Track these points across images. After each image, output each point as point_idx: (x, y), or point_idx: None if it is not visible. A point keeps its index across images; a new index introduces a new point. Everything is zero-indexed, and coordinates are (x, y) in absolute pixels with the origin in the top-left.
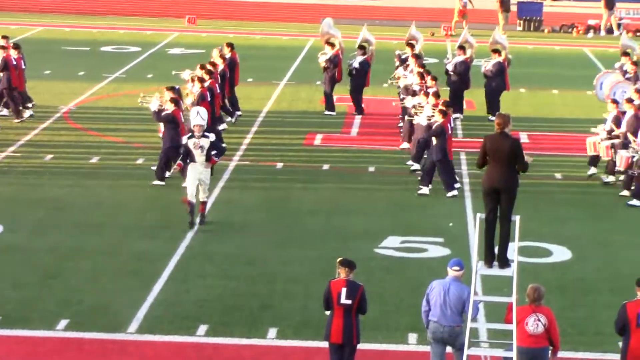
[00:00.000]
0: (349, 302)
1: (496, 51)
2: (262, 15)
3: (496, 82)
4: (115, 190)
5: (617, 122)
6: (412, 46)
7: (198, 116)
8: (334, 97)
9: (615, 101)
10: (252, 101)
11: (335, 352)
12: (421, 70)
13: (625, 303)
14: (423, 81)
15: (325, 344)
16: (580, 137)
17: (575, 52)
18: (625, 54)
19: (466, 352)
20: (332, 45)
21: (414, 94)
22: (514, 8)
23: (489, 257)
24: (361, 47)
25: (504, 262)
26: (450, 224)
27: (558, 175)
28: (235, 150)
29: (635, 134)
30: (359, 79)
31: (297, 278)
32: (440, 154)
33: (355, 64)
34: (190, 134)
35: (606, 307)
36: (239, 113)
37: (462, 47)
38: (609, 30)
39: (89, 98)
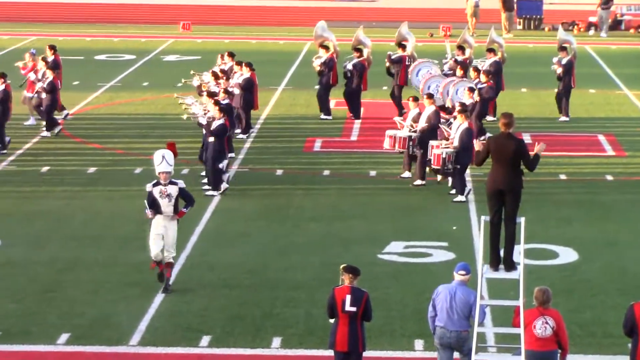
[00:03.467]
0: (353, 309)
1: (491, 50)
2: (258, 19)
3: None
4: (114, 201)
5: (418, 118)
6: (403, 47)
7: (164, 162)
8: (332, 102)
9: (430, 96)
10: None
11: None
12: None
13: (632, 304)
14: None
15: (330, 353)
16: (584, 137)
17: (577, 50)
18: (562, 48)
19: (474, 357)
20: (327, 48)
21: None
22: None
23: (494, 260)
24: (357, 50)
25: (510, 265)
26: (454, 228)
27: (562, 176)
28: (234, 157)
29: (434, 131)
30: (355, 81)
31: (299, 285)
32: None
33: (349, 66)
34: (155, 181)
35: (614, 309)
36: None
37: (461, 47)
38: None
39: (85, 108)
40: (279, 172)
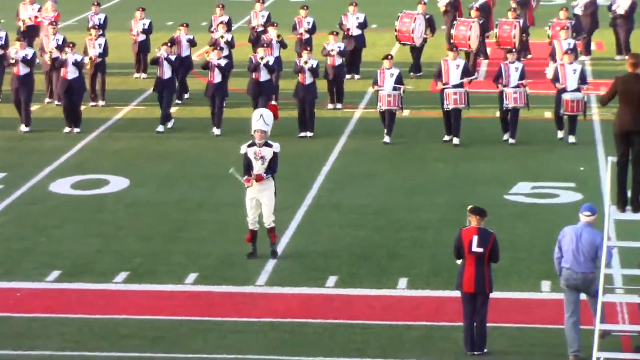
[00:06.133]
0: (480, 250)
1: None
2: None
3: (628, 22)
4: (241, 142)
5: None
6: None
7: (261, 119)
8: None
9: None
10: (378, 48)
11: (468, 301)
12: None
13: None
14: None
15: (456, 293)
16: None
17: None
18: None
19: (601, 299)
20: None
21: None
22: None
23: (621, 201)
24: None
25: (637, 206)
26: (582, 168)
27: None
28: (360, 98)
29: None
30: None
31: (425, 226)
32: None
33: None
34: (250, 141)
35: None
36: None
37: None
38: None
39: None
40: (405, 113)
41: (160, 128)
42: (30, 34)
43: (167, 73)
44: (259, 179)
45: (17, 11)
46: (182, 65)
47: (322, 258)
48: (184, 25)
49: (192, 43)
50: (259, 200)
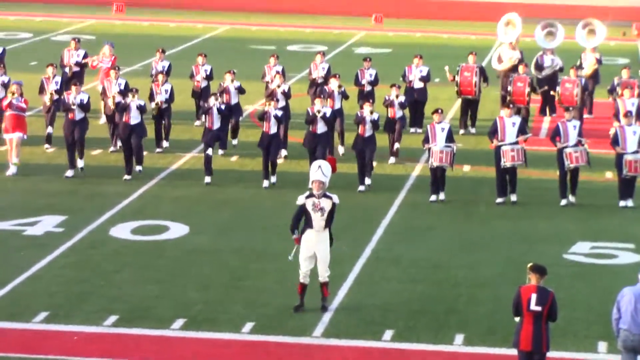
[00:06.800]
0: (539, 308)
1: None
2: (450, 13)
3: None
4: (302, 191)
5: None
6: None
7: (319, 170)
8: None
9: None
10: (439, 102)
11: (524, 359)
12: None
13: None
14: None
15: (513, 352)
16: None
17: None
18: None
19: None
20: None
21: None
22: None
23: None
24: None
25: None
26: None
27: None
28: (419, 154)
29: None
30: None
31: (484, 282)
32: None
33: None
34: (307, 192)
35: None
36: None
37: None
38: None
39: None
40: (466, 168)
41: (208, 179)
42: (75, 79)
43: (216, 123)
44: (297, 242)
45: (62, 56)
46: (232, 113)
47: (379, 311)
48: (231, 72)
49: (240, 90)
50: (316, 252)
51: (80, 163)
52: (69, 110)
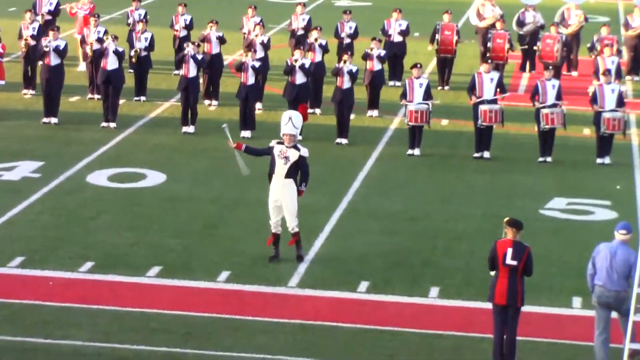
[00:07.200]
0: (514, 263)
1: None
2: None
3: None
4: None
5: None
6: None
7: (289, 123)
8: None
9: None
10: (419, 56)
11: (499, 313)
12: None
13: None
14: None
15: (488, 305)
16: None
17: None
18: None
19: (632, 318)
20: None
21: None
22: None
23: None
24: None
25: None
26: (618, 187)
27: None
28: (398, 108)
29: None
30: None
31: (460, 236)
32: None
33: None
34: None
35: None
36: None
37: None
38: None
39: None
40: (444, 122)
41: (191, 129)
42: (49, 26)
43: (192, 72)
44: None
45: (34, 3)
46: (212, 64)
47: (355, 263)
48: (214, 22)
49: (221, 40)
50: (282, 201)
51: (54, 120)
52: (44, 54)
